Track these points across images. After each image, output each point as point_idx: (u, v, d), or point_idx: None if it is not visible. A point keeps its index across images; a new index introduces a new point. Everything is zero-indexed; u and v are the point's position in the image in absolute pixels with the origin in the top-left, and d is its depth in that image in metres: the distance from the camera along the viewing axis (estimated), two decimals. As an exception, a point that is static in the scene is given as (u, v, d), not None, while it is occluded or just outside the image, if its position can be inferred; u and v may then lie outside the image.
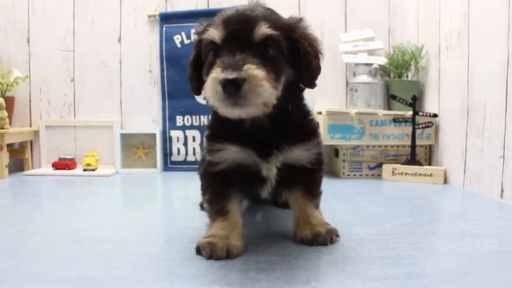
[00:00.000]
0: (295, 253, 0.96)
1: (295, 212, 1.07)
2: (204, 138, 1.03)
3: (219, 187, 1.00)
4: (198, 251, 0.94)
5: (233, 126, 0.94)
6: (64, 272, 0.84)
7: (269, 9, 0.95)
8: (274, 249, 0.99)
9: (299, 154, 1.00)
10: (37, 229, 1.16)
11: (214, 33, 0.88)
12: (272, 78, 0.86)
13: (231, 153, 0.96)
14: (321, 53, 0.99)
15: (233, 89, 0.81)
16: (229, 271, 0.85)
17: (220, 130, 0.97)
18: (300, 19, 0.98)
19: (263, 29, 0.87)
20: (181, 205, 1.52)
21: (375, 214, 1.34)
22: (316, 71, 0.98)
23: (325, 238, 1.01)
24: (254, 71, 0.82)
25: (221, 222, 0.97)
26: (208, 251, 0.92)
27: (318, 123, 1.07)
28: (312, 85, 1.00)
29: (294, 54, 0.94)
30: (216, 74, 0.83)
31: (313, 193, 1.06)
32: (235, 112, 0.85)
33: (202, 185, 1.16)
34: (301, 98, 1.05)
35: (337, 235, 1.04)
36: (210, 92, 0.85)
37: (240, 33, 0.87)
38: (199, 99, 2.33)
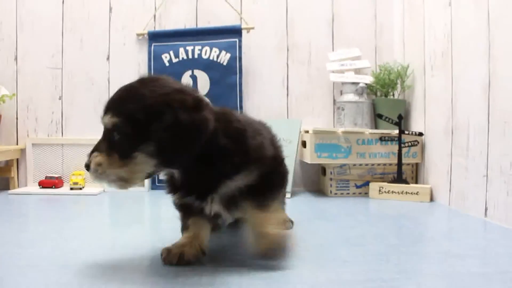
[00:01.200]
0: (277, 276, 0.96)
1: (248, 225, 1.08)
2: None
3: (184, 210, 1.12)
4: (161, 256, 1.07)
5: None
6: (44, 299, 0.83)
7: (142, 87, 0.96)
8: (257, 272, 0.98)
9: (239, 183, 1.02)
10: (20, 253, 1.14)
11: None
12: (120, 160, 0.95)
13: (178, 196, 1.08)
14: (173, 130, 0.92)
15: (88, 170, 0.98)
16: (211, 296, 0.85)
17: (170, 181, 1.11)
18: (164, 94, 0.94)
19: (106, 119, 0.96)
20: (168, 225, 1.50)
21: (360, 234, 1.35)
22: (168, 147, 0.94)
23: (270, 254, 1.04)
24: (96, 158, 0.97)
25: (184, 235, 1.11)
26: (164, 257, 1.06)
27: (262, 142, 1.07)
28: (172, 164, 1.01)
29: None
30: None
31: (259, 195, 1.05)
32: (104, 186, 1.04)
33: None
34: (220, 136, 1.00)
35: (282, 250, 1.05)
36: None
37: (102, 119, 0.99)
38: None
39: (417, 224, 1.52)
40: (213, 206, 1.05)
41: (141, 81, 1.00)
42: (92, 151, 0.99)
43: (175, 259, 1.04)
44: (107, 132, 0.98)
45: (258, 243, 1.03)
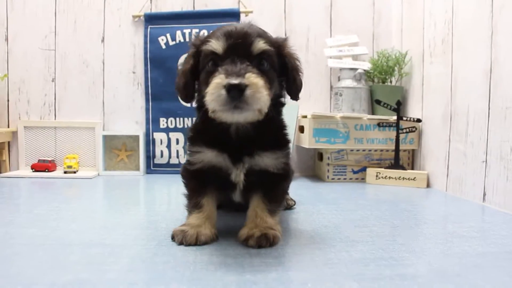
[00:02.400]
0: (289, 255, 0.96)
1: (248, 211, 1.11)
2: (187, 140, 1.12)
3: (196, 185, 1.10)
4: (173, 237, 1.05)
5: (215, 132, 1.03)
6: (56, 276, 0.82)
7: (261, 28, 1.04)
8: (267, 251, 0.98)
9: (267, 161, 1.06)
10: (23, 233, 1.12)
11: (216, 44, 0.97)
12: (267, 88, 0.95)
13: (208, 156, 1.06)
14: (302, 72, 1.11)
15: (236, 93, 0.88)
16: (225, 273, 0.84)
17: (201, 134, 1.08)
18: (286, 39, 1.09)
19: (261, 44, 0.97)
20: (167, 207, 1.50)
21: (363, 216, 1.36)
22: (300, 85, 1.09)
23: (255, 242, 1.01)
24: (255, 79, 0.91)
25: (196, 214, 1.07)
26: (180, 238, 1.03)
27: (289, 136, 1.16)
28: (297, 97, 1.12)
29: (281, 69, 1.05)
30: (220, 80, 0.90)
31: (270, 198, 1.09)
32: (234, 116, 0.93)
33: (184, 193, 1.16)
34: (281, 112, 1.14)
35: (271, 243, 1.02)
36: (212, 96, 0.91)
37: (240, 45, 0.96)
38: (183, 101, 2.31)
39: (417, 208, 1.54)
40: (240, 175, 1.06)
41: (253, 24, 1.04)
42: (240, 73, 0.90)
43: (192, 240, 1.02)
44: (253, 58, 0.96)
45: (241, 233, 1.05)
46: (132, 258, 0.93)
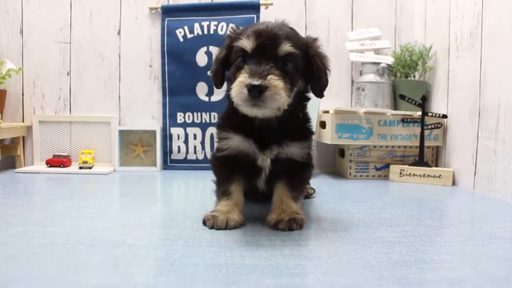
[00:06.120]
0: (324, 257, 0.91)
1: (273, 198, 1.19)
2: (216, 127, 1.22)
3: (225, 173, 1.18)
4: (204, 222, 1.14)
5: (242, 120, 1.10)
6: (80, 280, 0.77)
7: (292, 29, 1.12)
8: (301, 252, 0.94)
9: (293, 150, 1.15)
10: (43, 231, 1.08)
11: (246, 43, 1.05)
12: (288, 88, 1.03)
13: (235, 141, 1.14)
14: (329, 70, 1.16)
15: (256, 93, 0.97)
16: (260, 276, 0.79)
17: (230, 122, 1.16)
18: (315, 39, 1.15)
19: (286, 47, 1.03)
20: (188, 205, 1.45)
21: (393, 215, 1.30)
22: (325, 84, 1.14)
23: (285, 225, 1.11)
24: (276, 81, 0.99)
25: (225, 201, 1.16)
26: (211, 222, 1.11)
27: (313, 128, 1.25)
28: (321, 95, 1.17)
29: (307, 69, 1.11)
30: (243, 79, 1.00)
31: (294, 186, 1.18)
32: (254, 111, 1.03)
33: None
34: (305, 106, 1.22)
35: (300, 225, 1.12)
36: (235, 93, 1.02)
37: (267, 46, 1.03)
38: (201, 96, 2.27)
39: (447, 206, 1.48)
40: (266, 160, 1.15)
41: (285, 24, 1.11)
42: (263, 74, 0.98)
43: (223, 225, 1.10)
44: (278, 59, 1.03)
45: (270, 218, 1.15)
46: (159, 260, 0.89)
